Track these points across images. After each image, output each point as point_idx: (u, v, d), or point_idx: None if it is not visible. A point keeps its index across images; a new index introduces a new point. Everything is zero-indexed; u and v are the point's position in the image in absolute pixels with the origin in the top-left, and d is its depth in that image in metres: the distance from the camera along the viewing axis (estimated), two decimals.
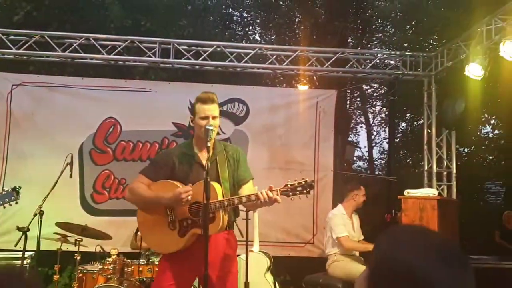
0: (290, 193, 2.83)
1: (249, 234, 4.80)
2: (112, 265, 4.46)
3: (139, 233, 5.06)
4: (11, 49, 5.68)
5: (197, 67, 6.20)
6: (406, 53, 6.44)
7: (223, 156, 3.07)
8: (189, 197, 2.82)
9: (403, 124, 12.33)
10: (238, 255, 5.04)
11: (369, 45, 11.00)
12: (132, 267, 4.54)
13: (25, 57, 5.89)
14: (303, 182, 2.84)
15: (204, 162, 2.90)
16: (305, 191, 2.83)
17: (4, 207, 3.35)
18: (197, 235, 2.90)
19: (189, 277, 3.04)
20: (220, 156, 3.05)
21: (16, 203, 3.38)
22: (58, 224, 4.65)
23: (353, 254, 5.00)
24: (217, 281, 2.91)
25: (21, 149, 6.01)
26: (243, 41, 10.08)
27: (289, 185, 2.84)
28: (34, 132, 6.05)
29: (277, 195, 2.79)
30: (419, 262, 0.94)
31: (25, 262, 4.57)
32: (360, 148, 14.41)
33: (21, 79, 6.14)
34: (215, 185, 2.90)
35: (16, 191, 3.34)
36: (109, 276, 4.43)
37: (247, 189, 3.05)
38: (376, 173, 13.29)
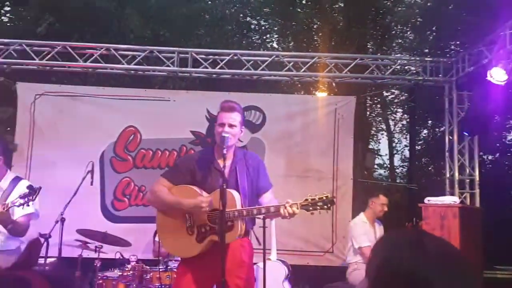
0: (311, 208, 2.84)
1: (266, 242, 4.78)
2: (131, 272, 4.50)
3: (156, 238, 5.14)
4: (35, 59, 5.81)
5: (215, 75, 6.24)
6: (426, 58, 6.35)
7: (243, 164, 3.08)
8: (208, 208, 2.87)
9: (425, 131, 12.14)
10: (255, 263, 5.05)
11: (388, 51, 10.91)
12: (151, 274, 4.56)
13: (48, 68, 6.02)
14: (324, 198, 2.84)
15: (223, 170, 2.92)
16: (325, 207, 2.83)
17: (23, 208, 3.43)
18: (214, 242, 2.91)
19: (207, 283, 3.04)
20: (240, 164, 3.07)
21: (33, 202, 3.45)
22: (79, 231, 4.72)
23: None
24: None
25: (44, 157, 6.13)
26: (261, 49, 10.13)
27: (309, 200, 2.84)
28: (56, 140, 6.16)
29: (297, 208, 2.80)
30: (419, 267, 0.92)
31: (46, 268, 4.65)
32: (381, 155, 14.22)
33: (44, 89, 6.28)
34: (234, 193, 2.91)
35: (34, 189, 3.41)
36: (128, 283, 4.47)
37: (266, 198, 3.07)
38: (398, 181, 13.09)
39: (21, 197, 3.40)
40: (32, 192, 3.40)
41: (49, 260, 4.74)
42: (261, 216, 3.34)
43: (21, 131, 6.23)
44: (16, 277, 0.82)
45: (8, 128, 6.39)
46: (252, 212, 2.90)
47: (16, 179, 3.71)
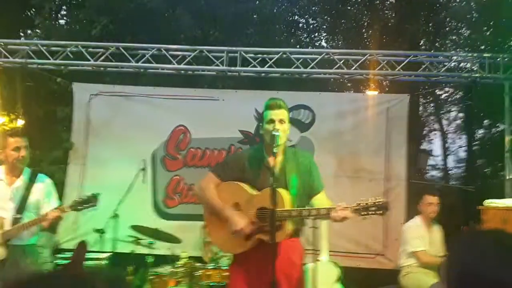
0: (363, 212, 2.73)
1: (316, 243, 4.71)
2: (182, 269, 4.55)
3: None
4: (90, 60, 6.00)
5: (263, 74, 6.22)
6: (485, 54, 6.04)
7: (294, 163, 3.02)
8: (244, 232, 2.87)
9: (481, 131, 11.61)
10: (305, 264, 4.98)
11: (442, 48, 10.51)
12: (201, 271, 4.60)
13: (102, 68, 6.21)
14: (378, 203, 2.72)
15: (272, 168, 2.88)
16: (379, 212, 2.72)
17: (83, 212, 3.54)
18: (261, 240, 2.88)
19: (259, 283, 3.02)
20: (290, 163, 3.01)
21: (95, 209, 3.56)
22: (133, 227, 4.83)
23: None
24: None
25: (99, 156, 6.33)
26: (309, 48, 10.00)
27: (362, 204, 2.72)
28: (110, 139, 6.35)
29: (350, 212, 2.71)
30: (507, 272, 0.84)
31: (102, 262, 4.79)
32: (434, 156, 13.72)
33: (98, 89, 6.49)
34: (283, 193, 2.86)
35: (95, 197, 3.51)
36: (179, 280, 4.52)
37: (318, 200, 2.98)
38: (451, 183, 12.60)
39: (82, 201, 3.49)
40: (94, 198, 3.50)
41: (103, 255, 4.89)
42: (311, 218, 3.27)
43: (77, 130, 6.47)
44: (74, 276, 0.82)
45: (65, 127, 6.63)
46: (302, 213, 2.84)
47: (34, 173, 3.71)
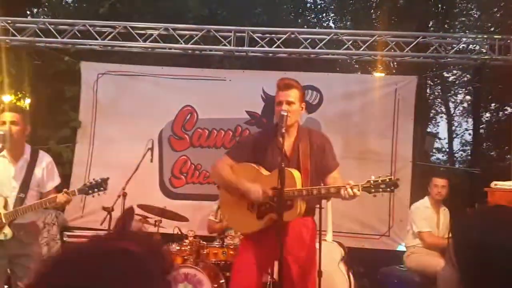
0: (373, 190, 2.78)
1: (322, 223, 4.74)
2: (188, 247, 4.61)
3: (210, 216, 5.24)
4: (97, 39, 5.98)
5: (271, 54, 6.18)
6: (495, 36, 5.96)
7: (307, 142, 3.04)
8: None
9: (487, 114, 11.55)
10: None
11: (451, 30, 10.38)
12: (208, 250, 4.66)
13: (109, 47, 6.18)
14: (387, 180, 2.78)
15: (285, 147, 2.91)
16: (389, 189, 2.77)
17: (93, 196, 3.58)
18: (274, 219, 2.92)
19: (268, 260, 3.08)
20: (303, 142, 3.03)
21: (104, 193, 3.59)
22: (140, 206, 4.88)
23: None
24: (294, 266, 2.92)
25: (106, 135, 6.36)
26: (317, 28, 9.91)
27: (372, 181, 2.78)
28: (118, 118, 6.36)
29: (358, 190, 2.75)
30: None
31: None
32: (440, 139, 13.68)
33: (106, 68, 6.48)
34: (295, 173, 2.89)
35: (105, 182, 3.54)
36: (186, 257, 4.59)
37: (332, 178, 3.03)
38: (457, 166, 12.58)
39: (91, 186, 3.52)
40: (104, 183, 3.53)
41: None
42: (321, 196, 3.31)
43: (85, 109, 6.49)
44: (117, 248, 0.76)
45: (73, 106, 6.65)
46: (312, 192, 2.88)
47: (35, 151, 3.67)
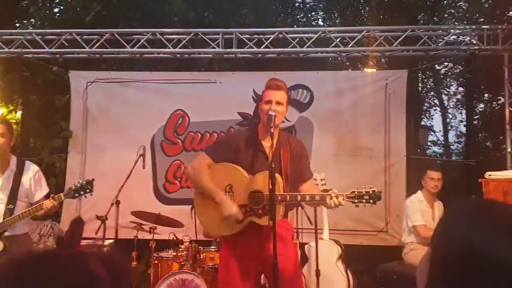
0: (356, 200, 2.86)
1: (317, 222, 4.72)
2: (185, 252, 4.58)
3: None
4: (85, 48, 5.95)
5: (260, 55, 6.16)
6: (483, 26, 5.96)
7: (286, 147, 3.03)
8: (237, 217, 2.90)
9: (481, 105, 11.56)
10: (307, 243, 5.00)
11: (440, 22, 10.39)
12: (204, 254, 4.63)
13: (97, 55, 6.16)
14: (371, 192, 2.85)
15: (267, 151, 2.91)
16: (371, 201, 2.85)
17: (80, 199, 3.54)
18: (253, 223, 2.91)
19: (251, 265, 3.04)
20: (283, 147, 3.02)
21: (91, 194, 3.55)
22: (134, 213, 4.85)
23: None
24: (281, 266, 2.91)
25: (98, 143, 6.33)
26: (305, 27, 9.89)
27: (356, 192, 2.85)
28: (109, 126, 6.33)
29: (343, 199, 2.83)
30: (479, 239, 0.80)
31: (105, 249, 4.82)
32: (434, 132, 13.69)
33: (95, 76, 6.45)
34: (277, 177, 2.87)
35: (90, 183, 3.50)
36: (182, 263, 4.55)
37: (307, 187, 3.07)
38: (453, 158, 12.58)
39: (76, 189, 3.49)
40: (89, 185, 3.49)
41: (106, 242, 4.91)
42: (305, 203, 3.37)
43: (76, 118, 6.45)
44: (73, 253, 0.80)
45: (64, 116, 6.62)
46: (296, 198, 2.92)
47: (21, 162, 3.64)
